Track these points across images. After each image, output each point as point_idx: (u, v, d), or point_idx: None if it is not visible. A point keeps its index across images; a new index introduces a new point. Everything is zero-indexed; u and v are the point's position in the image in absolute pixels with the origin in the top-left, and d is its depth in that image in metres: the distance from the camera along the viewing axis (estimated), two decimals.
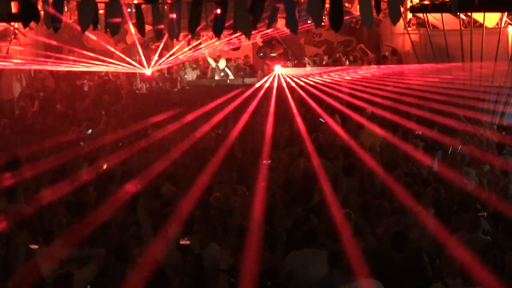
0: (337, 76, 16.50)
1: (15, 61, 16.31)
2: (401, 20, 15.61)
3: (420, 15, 15.70)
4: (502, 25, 15.47)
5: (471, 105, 15.06)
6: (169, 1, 7.45)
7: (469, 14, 15.11)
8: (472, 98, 14.97)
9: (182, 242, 6.45)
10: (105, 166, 10.51)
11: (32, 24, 7.98)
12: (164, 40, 14.67)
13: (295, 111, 15.68)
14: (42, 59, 17.25)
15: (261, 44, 19.09)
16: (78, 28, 7.86)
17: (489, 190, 8.95)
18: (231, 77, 17.21)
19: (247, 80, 17.28)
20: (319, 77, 16.69)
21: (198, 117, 14.34)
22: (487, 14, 14.86)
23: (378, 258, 6.37)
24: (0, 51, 15.99)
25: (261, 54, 19.15)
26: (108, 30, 7.33)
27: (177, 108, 14.90)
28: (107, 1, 6.79)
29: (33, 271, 6.15)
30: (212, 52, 18.18)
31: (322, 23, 15.51)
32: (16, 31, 16.44)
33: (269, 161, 10.35)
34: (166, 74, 18.09)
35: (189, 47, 18.22)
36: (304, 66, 17.99)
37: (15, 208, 8.14)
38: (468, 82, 15.47)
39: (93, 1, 6.76)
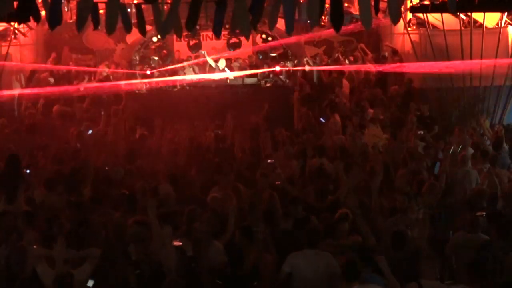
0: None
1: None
2: (401, 20, 15.69)
3: (420, 15, 15.69)
4: (502, 25, 15.47)
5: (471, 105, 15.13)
6: (169, 1, 7.44)
7: (469, 14, 15.10)
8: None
9: (175, 243, 6.43)
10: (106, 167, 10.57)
11: (32, 24, 7.99)
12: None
13: (295, 110, 15.80)
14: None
15: (261, 44, 19.10)
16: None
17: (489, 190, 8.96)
18: (231, 77, 17.21)
19: (248, 80, 17.27)
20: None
21: (199, 117, 14.40)
22: (487, 14, 14.86)
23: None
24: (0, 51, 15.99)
25: (260, 57, 19.13)
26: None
27: (177, 108, 14.98)
28: (107, 1, 6.78)
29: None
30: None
31: (322, 23, 15.65)
32: (16, 31, 16.44)
33: (269, 161, 10.36)
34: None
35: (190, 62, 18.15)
36: (304, 66, 17.99)
37: (15, 208, 8.15)
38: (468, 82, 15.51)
39: (91, 1, 6.75)
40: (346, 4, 16.99)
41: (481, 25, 15.39)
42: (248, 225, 7.15)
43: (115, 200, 8.58)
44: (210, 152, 11.48)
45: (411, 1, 14.62)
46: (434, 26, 15.94)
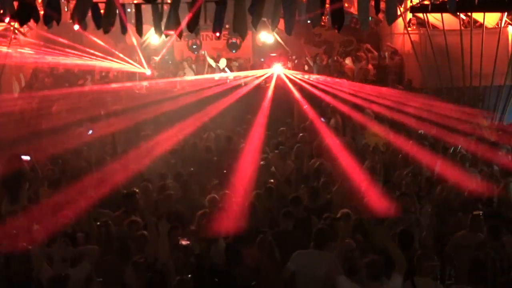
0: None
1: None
2: (401, 20, 15.73)
3: (420, 15, 15.69)
4: (502, 25, 15.47)
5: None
6: (169, 1, 7.44)
7: (469, 14, 15.10)
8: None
9: (182, 242, 6.43)
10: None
11: (32, 24, 7.98)
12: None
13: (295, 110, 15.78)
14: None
15: (261, 44, 19.08)
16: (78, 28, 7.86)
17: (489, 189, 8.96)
18: (231, 77, 17.19)
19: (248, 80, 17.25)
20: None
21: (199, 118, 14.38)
22: (487, 14, 14.87)
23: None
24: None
25: (262, 59, 19.10)
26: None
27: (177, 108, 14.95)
28: (105, 1, 6.79)
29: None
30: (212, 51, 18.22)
31: (322, 23, 15.66)
32: (16, 31, 16.43)
33: (263, 162, 10.37)
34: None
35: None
36: (304, 66, 17.98)
37: (18, 208, 8.15)
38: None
39: (90, 1, 6.77)
40: (346, 4, 17.00)
41: (481, 25, 15.39)
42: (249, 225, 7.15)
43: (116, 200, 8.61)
44: (210, 152, 11.47)
45: (411, 1, 14.62)
46: (434, 26, 15.94)
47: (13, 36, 16.16)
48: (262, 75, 17.56)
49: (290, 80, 17.35)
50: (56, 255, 6.36)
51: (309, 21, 13.19)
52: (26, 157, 9.30)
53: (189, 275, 6.13)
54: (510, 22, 15.79)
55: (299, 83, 16.79)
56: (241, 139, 12.47)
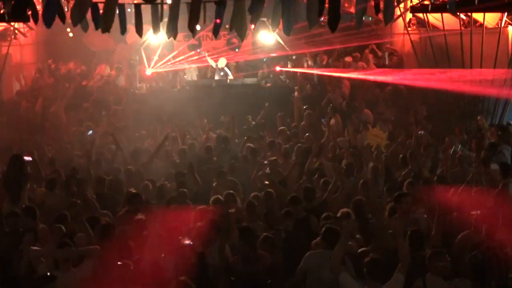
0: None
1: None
2: (401, 20, 15.74)
3: (420, 15, 15.69)
4: (502, 25, 15.47)
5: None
6: (169, 1, 7.45)
7: (469, 14, 15.10)
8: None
9: (184, 241, 6.44)
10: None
11: (32, 24, 7.98)
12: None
13: (295, 110, 15.79)
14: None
15: (260, 44, 19.08)
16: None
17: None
18: (231, 77, 17.20)
19: (247, 80, 17.27)
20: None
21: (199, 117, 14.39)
22: (487, 14, 14.86)
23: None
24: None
25: (264, 59, 19.12)
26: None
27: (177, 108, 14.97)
28: (105, 1, 6.79)
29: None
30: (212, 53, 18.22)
31: (322, 23, 15.64)
32: (16, 31, 16.45)
33: (265, 162, 10.37)
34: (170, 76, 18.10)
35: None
36: (304, 66, 18.00)
37: (19, 208, 8.15)
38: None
39: (89, 1, 6.77)
40: (346, 5, 17.01)
41: (481, 25, 15.39)
42: (247, 226, 7.16)
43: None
44: (210, 152, 11.47)
45: (411, 1, 14.62)
46: (434, 26, 15.94)
47: (13, 36, 16.19)
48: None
49: (291, 79, 17.40)
50: (57, 255, 6.35)
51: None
52: (28, 158, 9.31)
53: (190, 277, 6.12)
54: (510, 22, 15.78)
55: (299, 83, 16.84)
56: (241, 139, 12.50)
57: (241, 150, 11.68)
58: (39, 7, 7.44)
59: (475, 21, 15.69)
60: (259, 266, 6.51)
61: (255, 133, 12.82)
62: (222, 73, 17.12)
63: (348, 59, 17.73)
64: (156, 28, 7.36)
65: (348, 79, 16.62)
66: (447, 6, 6.96)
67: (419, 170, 9.82)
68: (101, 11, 7.10)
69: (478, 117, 14.08)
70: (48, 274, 5.90)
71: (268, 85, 17.36)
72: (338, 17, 6.21)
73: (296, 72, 17.53)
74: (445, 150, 11.25)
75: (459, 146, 11.57)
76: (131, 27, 7.54)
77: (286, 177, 9.86)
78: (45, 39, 18.63)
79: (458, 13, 14.67)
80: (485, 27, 15.37)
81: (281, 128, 13.39)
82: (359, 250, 6.78)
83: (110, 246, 6.55)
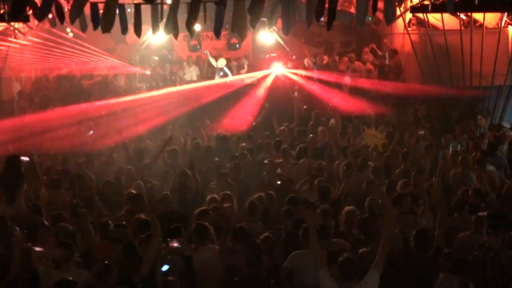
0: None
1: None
2: (401, 20, 15.73)
3: (420, 15, 15.68)
4: (502, 25, 15.47)
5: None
6: (169, 2, 7.45)
7: (469, 14, 15.09)
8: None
9: (172, 244, 6.43)
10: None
11: (32, 24, 7.98)
12: None
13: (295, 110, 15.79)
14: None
15: (260, 44, 19.09)
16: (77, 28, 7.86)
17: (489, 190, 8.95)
18: (231, 77, 17.20)
19: (248, 80, 17.27)
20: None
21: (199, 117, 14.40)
22: (487, 14, 14.86)
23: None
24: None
25: (267, 55, 19.16)
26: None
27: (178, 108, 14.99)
28: (105, 0, 6.79)
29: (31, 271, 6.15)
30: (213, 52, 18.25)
31: (322, 23, 15.65)
32: (16, 31, 16.44)
33: (265, 161, 10.37)
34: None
35: None
36: (304, 66, 18.00)
37: (15, 209, 8.14)
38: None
39: (86, 0, 6.77)
40: (346, 4, 17.00)
41: (481, 25, 15.39)
42: (241, 226, 7.15)
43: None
44: (211, 152, 11.47)
45: (411, 1, 14.61)
46: (434, 26, 15.93)
47: (13, 36, 16.18)
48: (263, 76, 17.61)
49: (291, 79, 17.40)
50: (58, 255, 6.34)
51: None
52: (25, 158, 9.29)
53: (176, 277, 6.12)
54: (510, 22, 15.78)
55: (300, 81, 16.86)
56: (241, 139, 12.51)
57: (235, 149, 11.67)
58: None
59: (475, 21, 15.69)
60: (262, 268, 6.49)
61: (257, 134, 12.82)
62: (221, 73, 17.12)
63: (346, 59, 17.76)
64: (155, 28, 7.36)
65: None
66: (446, 6, 6.95)
67: (420, 170, 9.82)
68: (101, 11, 7.11)
69: (478, 117, 14.09)
70: (70, 278, 5.89)
71: (268, 85, 17.36)
72: (334, 16, 6.23)
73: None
74: (441, 150, 11.26)
75: (458, 146, 11.57)
76: (130, 27, 7.53)
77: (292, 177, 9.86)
78: (45, 39, 18.61)
79: (458, 13, 14.67)
80: (485, 27, 15.37)
81: (281, 128, 13.39)
82: (360, 251, 6.77)
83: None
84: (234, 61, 18.48)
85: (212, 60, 17.48)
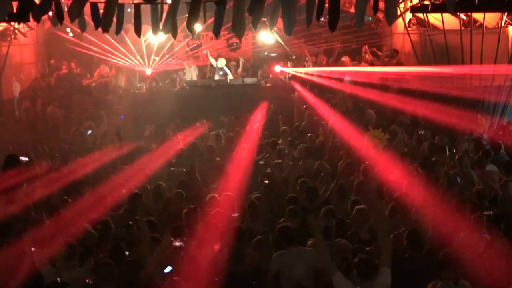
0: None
1: None
2: (401, 20, 15.72)
3: (420, 15, 15.68)
4: (502, 25, 15.46)
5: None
6: (169, 1, 7.44)
7: (469, 14, 15.09)
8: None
9: (176, 243, 6.44)
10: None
11: (32, 24, 7.98)
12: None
13: (295, 110, 15.78)
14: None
15: (260, 44, 19.09)
16: (77, 29, 7.86)
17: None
18: (230, 77, 17.19)
19: (247, 80, 17.26)
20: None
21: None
22: (487, 14, 14.85)
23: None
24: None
25: (266, 53, 19.18)
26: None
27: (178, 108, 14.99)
28: (105, 0, 6.79)
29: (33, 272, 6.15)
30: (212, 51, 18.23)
31: (322, 23, 15.65)
32: (16, 31, 16.43)
33: (260, 162, 10.37)
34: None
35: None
36: (304, 66, 17.99)
37: (16, 208, 8.15)
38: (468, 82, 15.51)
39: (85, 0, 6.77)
40: (346, 5, 17.01)
41: (481, 25, 15.39)
42: (241, 226, 7.16)
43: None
44: (213, 151, 11.46)
45: (411, 1, 14.61)
46: (434, 26, 15.93)
47: (13, 36, 16.17)
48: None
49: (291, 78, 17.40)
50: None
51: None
52: (24, 158, 9.30)
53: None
54: (510, 22, 15.77)
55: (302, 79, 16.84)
56: (241, 139, 12.51)
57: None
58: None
59: (475, 21, 15.68)
60: (245, 266, 6.48)
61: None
62: (221, 73, 17.12)
63: (344, 59, 17.75)
64: (155, 28, 7.36)
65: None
66: (446, 6, 6.95)
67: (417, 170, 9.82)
68: (101, 11, 7.10)
69: (478, 117, 14.07)
70: (58, 280, 5.89)
71: (268, 85, 17.35)
72: (338, 17, 6.22)
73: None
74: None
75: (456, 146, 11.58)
76: (131, 27, 7.53)
77: (287, 177, 9.86)
78: (45, 39, 18.62)
79: (458, 13, 14.67)
80: (485, 26, 15.36)
81: (283, 128, 13.38)
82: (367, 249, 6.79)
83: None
84: (233, 61, 18.48)
85: (212, 60, 17.48)
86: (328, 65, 17.69)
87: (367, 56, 17.91)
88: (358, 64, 17.54)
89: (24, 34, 17.03)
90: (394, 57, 17.18)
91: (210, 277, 6.48)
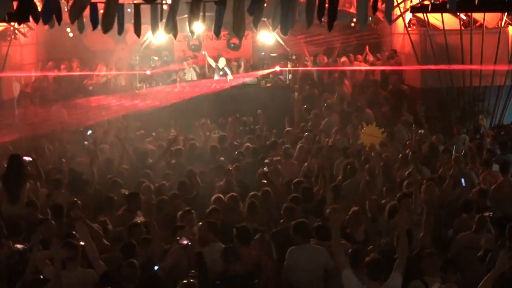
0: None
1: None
2: (401, 20, 15.72)
3: (420, 15, 15.68)
4: (502, 25, 15.47)
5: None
6: (169, 1, 7.45)
7: (469, 14, 15.10)
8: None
9: (182, 241, 6.44)
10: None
11: (32, 24, 7.99)
12: None
13: (295, 110, 15.78)
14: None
15: (261, 44, 19.07)
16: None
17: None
18: (230, 77, 17.18)
19: (247, 80, 17.26)
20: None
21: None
22: (487, 14, 14.86)
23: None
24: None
25: (263, 53, 19.16)
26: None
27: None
28: (105, 1, 6.79)
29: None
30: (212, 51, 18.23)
31: (322, 24, 15.66)
32: (16, 31, 16.43)
33: (265, 161, 10.37)
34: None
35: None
36: (304, 66, 17.99)
37: (17, 209, 8.14)
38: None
39: (88, 0, 6.76)
40: (346, 5, 17.00)
41: (481, 25, 15.39)
42: (244, 225, 7.16)
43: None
44: (216, 151, 11.45)
45: (411, 1, 14.61)
46: (434, 26, 15.93)
47: (13, 36, 16.17)
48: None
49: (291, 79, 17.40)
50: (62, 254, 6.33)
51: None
52: (27, 158, 9.29)
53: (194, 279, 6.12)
54: (510, 22, 15.78)
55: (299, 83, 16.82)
56: (243, 139, 12.51)
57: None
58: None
59: (475, 21, 15.69)
60: (241, 266, 6.48)
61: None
62: (221, 73, 17.11)
63: (343, 59, 17.76)
64: (155, 28, 7.36)
65: (349, 79, 16.64)
66: (448, 6, 6.96)
67: (420, 170, 9.82)
68: (101, 11, 7.10)
69: (480, 116, 14.07)
70: (41, 277, 5.88)
71: (268, 85, 17.35)
72: (335, 17, 6.24)
73: (297, 71, 17.55)
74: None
75: (454, 146, 11.58)
76: (131, 27, 7.53)
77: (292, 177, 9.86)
78: (45, 39, 18.61)
79: (458, 13, 14.68)
80: (485, 27, 15.37)
81: (288, 129, 13.37)
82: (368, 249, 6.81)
83: None
84: (234, 61, 18.47)
85: (211, 61, 17.49)
86: (327, 65, 17.68)
87: (368, 56, 17.91)
88: (358, 64, 17.54)
89: (24, 34, 17.01)
90: (393, 57, 17.19)
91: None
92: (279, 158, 10.69)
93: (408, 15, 16.21)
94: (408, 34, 16.12)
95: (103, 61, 18.11)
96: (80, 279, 6.27)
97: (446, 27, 15.23)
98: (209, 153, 11.35)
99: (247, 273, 6.37)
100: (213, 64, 17.32)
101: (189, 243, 6.40)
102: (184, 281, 5.90)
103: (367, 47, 17.85)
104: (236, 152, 11.28)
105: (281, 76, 17.75)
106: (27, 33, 17.18)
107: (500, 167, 9.53)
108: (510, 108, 16.02)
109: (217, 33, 7.25)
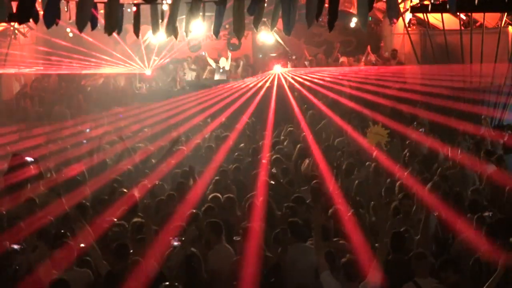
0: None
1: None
2: (401, 20, 15.72)
3: (420, 15, 15.68)
4: (502, 25, 15.46)
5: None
6: (169, 1, 7.45)
7: (469, 14, 15.09)
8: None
9: (174, 243, 6.44)
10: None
11: (32, 24, 7.99)
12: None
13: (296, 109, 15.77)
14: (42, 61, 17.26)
15: (261, 44, 19.07)
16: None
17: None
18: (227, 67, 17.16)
19: (247, 80, 17.25)
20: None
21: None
22: (487, 14, 14.85)
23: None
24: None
25: (260, 55, 19.15)
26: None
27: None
28: (106, 1, 6.78)
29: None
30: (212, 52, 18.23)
31: (322, 24, 15.65)
32: (16, 31, 16.43)
33: (263, 161, 10.37)
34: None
35: None
36: (305, 66, 17.98)
37: (19, 209, 8.14)
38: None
39: (91, 1, 6.74)
40: (346, 4, 16.99)
41: (481, 25, 15.39)
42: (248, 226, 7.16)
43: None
44: (212, 151, 11.46)
45: (411, 1, 14.61)
46: (434, 26, 15.93)
47: (13, 36, 16.18)
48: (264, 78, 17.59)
49: (290, 81, 17.37)
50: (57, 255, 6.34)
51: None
52: (29, 158, 9.29)
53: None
54: (510, 22, 15.78)
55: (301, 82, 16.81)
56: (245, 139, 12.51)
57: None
58: (39, 8, 7.43)
59: (475, 21, 15.68)
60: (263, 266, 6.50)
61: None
62: (221, 71, 17.12)
63: (343, 59, 17.76)
64: (155, 28, 7.36)
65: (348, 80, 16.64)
66: (448, 6, 6.96)
67: (422, 170, 9.82)
68: (100, 11, 7.10)
69: (482, 117, 14.05)
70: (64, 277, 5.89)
71: (268, 85, 17.33)
72: (336, 17, 6.24)
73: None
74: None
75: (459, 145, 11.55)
76: (130, 27, 7.53)
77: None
78: (45, 39, 18.60)
79: (458, 13, 14.67)
80: (485, 26, 15.37)
81: (289, 129, 13.36)
82: None
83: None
84: (234, 62, 18.46)
85: (211, 61, 17.48)
86: (327, 65, 17.68)
87: (369, 57, 17.90)
88: (358, 64, 17.54)
89: (24, 34, 17.02)
90: (395, 58, 17.18)
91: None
92: (278, 156, 10.69)
93: (408, 15, 16.22)
94: (408, 34, 16.12)
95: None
96: (76, 279, 6.27)
97: (446, 27, 15.22)
98: (207, 153, 11.36)
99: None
100: (213, 64, 17.31)
101: (179, 244, 6.41)
102: (167, 283, 5.87)
103: (368, 47, 17.83)
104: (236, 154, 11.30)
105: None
106: (27, 33, 17.18)
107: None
108: (510, 108, 16.01)
109: (216, 33, 7.25)
